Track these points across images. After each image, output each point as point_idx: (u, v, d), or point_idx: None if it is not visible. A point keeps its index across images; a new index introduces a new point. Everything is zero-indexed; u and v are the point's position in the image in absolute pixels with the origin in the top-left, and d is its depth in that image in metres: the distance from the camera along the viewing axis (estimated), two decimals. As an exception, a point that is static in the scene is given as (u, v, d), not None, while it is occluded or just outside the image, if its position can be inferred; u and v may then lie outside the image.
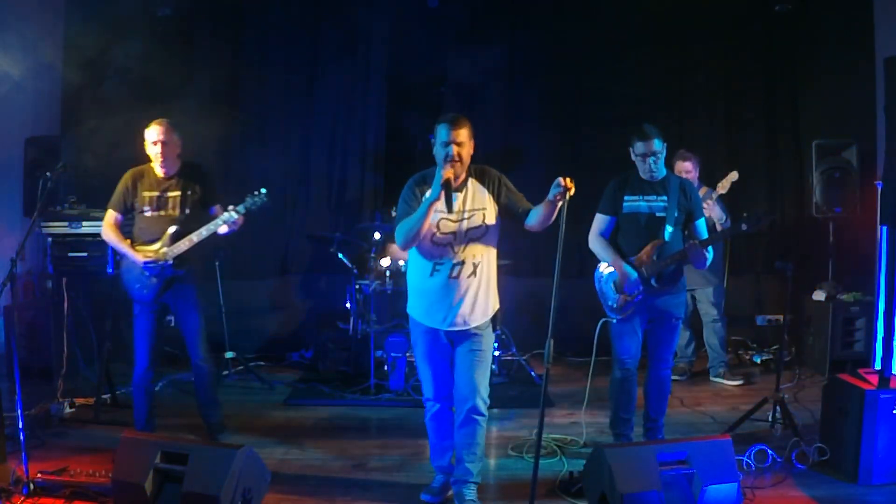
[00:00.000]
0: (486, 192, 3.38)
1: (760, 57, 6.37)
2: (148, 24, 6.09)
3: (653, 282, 3.80)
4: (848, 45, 6.04)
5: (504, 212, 3.40)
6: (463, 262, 3.32)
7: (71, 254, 4.84)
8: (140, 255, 4.02)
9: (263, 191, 4.09)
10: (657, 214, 3.83)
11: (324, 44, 6.32)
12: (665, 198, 3.83)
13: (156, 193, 4.10)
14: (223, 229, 4.04)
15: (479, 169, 3.43)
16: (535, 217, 3.26)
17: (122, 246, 4.09)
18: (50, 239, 4.87)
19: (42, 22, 5.83)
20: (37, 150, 5.42)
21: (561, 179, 3.00)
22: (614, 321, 3.94)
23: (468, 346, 3.37)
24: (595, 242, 3.97)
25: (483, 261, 3.36)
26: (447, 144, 3.27)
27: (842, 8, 6.08)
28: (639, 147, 3.83)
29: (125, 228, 4.17)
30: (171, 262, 4.02)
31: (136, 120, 5.88)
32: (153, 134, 4.07)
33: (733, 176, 4.96)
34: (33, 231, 3.79)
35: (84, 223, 4.85)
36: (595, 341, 3.96)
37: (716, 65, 6.37)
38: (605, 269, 4.00)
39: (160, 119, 4.12)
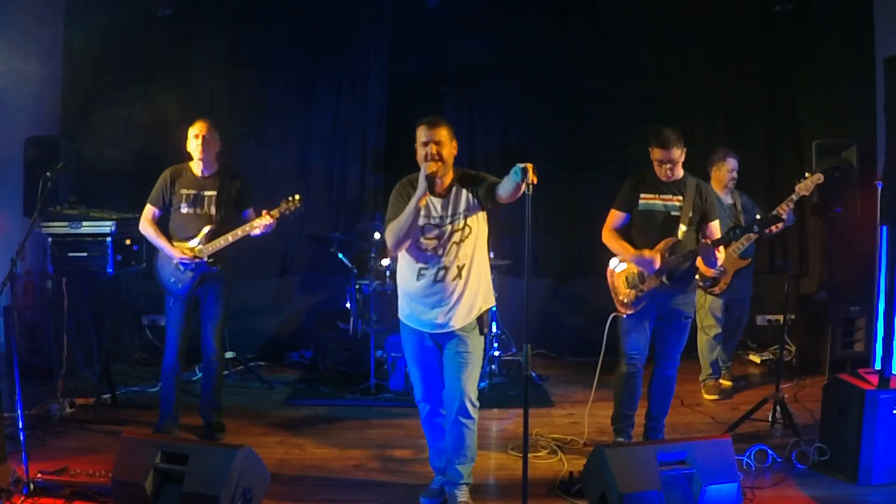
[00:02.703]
0: (469, 194, 3.37)
1: (760, 57, 6.36)
2: (148, 24, 6.09)
3: (664, 279, 3.81)
4: (848, 45, 6.03)
5: (485, 199, 3.31)
6: (448, 267, 3.32)
7: (71, 254, 4.83)
8: (177, 252, 4.14)
9: (297, 196, 4.19)
10: (672, 214, 3.86)
11: (324, 44, 6.31)
12: (681, 198, 3.86)
13: (193, 191, 4.21)
14: (256, 232, 4.15)
15: (461, 173, 3.42)
16: (504, 190, 3.16)
17: (160, 241, 4.20)
18: (50, 239, 4.86)
19: (42, 22, 5.83)
20: (37, 150, 5.40)
21: (520, 165, 2.93)
22: (624, 316, 3.96)
23: (454, 348, 3.37)
24: (608, 236, 4.00)
25: (469, 263, 3.35)
26: (426, 144, 3.28)
27: (842, 8, 6.07)
28: (657, 153, 3.86)
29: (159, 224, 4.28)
30: (206, 259, 4.13)
31: (135, 120, 5.95)
32: (195, 128, 4.18)
33: (818, 178, 4.65)
34: (33, 231, 3.79)
35: (84, 223, 4.84)
36: (605, 336, 3.98)
37: (716, 65, 6.36)
38: (616, 263, 4.02)
39: (204, 117, 4.26)
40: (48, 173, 3.83)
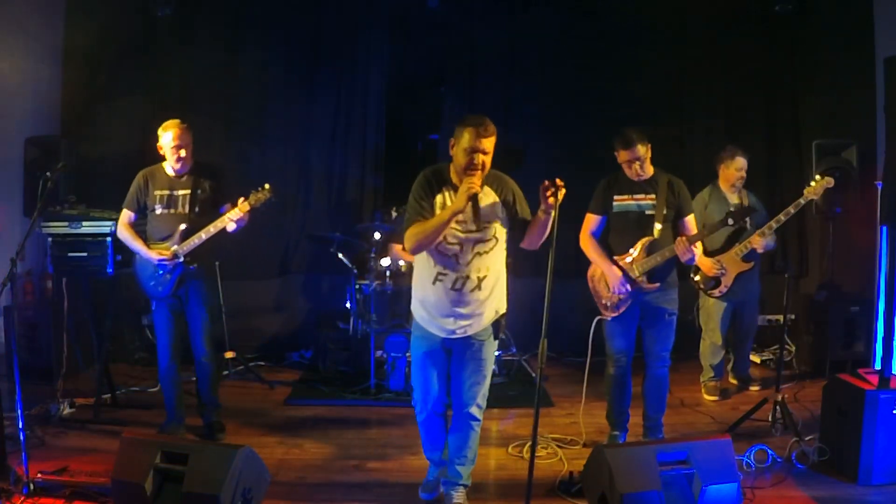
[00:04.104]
0: (499, 202, 3.23)
1: (760, 57, 6.36)
2: (148, 24, 6.09)
3: (644, 279, 3.83)
4: (848, 45, 6.02)
5: (514, 225, 3.26)
6: (468, 276, 3.20)
7: (71, 254, 4.84)
8: (154, 254, 4.09)
9: (267, 186, 4.09)
10: (647, 212, 3.88)
11: (324, 44, 6.31)
12: (654, 196, 3.87)
13: (166, 192, 4.15)
14: (231, 226, 4.05)
15: (495, 175, 3.24)
16: (529, 233, 3.18)
17: (137, 244, 4.15)
18: (50, 239, 4.87)
19: (42, 22, 5.83)
20: (37, 150, 5.41)
21: (547, 182, 2.89)
22: (608, 319, 3.97)
23: (467, 353, 3.30)
24: (585, 242, 4.03)
25: (489, 274, 3.24)
26: (472, 152, 3.08)
27: (842, 8, 6.06)
28: (623, 155, 3.89)
29: (139, 227, 4.23)
30: (182, 258, 4.08)
31: (135, 120, 5.95)
32: (170, 138, 4.08)
33: (828, 182, 4.48)
34: (33, 231, 3.79)
35: (84, 223, 4.85)
36: (591, 340, 3.99)
37: (716, 65, 6.36)
38: (596, 267, 4.03)
39: (175, 121, 4.13)
40: (48, 173, 3.83)
